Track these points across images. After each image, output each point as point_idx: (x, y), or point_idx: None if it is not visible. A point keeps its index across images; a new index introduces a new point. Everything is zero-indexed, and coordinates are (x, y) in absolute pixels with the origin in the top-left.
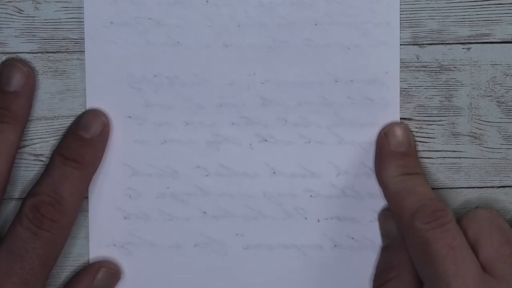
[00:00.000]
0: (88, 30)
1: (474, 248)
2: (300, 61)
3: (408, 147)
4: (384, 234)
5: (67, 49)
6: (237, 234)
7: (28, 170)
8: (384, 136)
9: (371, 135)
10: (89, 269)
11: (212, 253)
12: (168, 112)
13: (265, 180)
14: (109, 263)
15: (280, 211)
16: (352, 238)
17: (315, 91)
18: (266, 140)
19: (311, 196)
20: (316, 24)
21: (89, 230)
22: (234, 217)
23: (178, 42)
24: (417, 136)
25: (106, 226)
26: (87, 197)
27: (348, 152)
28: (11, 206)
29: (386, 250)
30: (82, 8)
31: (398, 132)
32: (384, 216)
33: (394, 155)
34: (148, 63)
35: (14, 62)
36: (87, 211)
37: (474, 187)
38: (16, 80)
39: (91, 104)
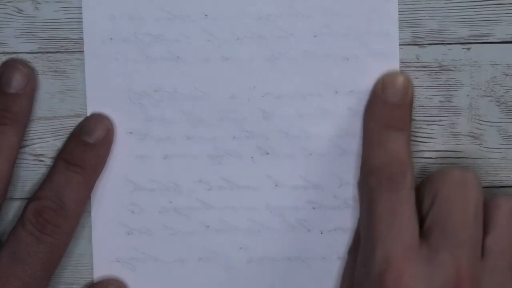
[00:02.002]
0: (87, 47)
1: (428, 208)
2: (299, 73)
3: (402, 99)
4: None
5: (67, 49)
6: (241, 248)
7: (28, 170)
8: (380, 84)
9: None
10: (97, 286)
11: (216, 267)
12: (169, 127)
13: (267, 193)
14: (116, 281)
15: (283, 223)
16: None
17: (315, 103)
18: (267, 153)
19: (313, 208)
20: (315, 36)
21: (93, 246)
22: (237, 230)
23: (177, 57)
24: (417, 136)
25: (110, 242)
26: (89, 212)
27: (350, 163)
28: (11, 206)
29: None
30: (81, 8)
31: (396, 81)
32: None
33: (384, 104)
34: (148, 78)
35: (14, 63)
36: (88, 226)
37: None
38: (17, 82)
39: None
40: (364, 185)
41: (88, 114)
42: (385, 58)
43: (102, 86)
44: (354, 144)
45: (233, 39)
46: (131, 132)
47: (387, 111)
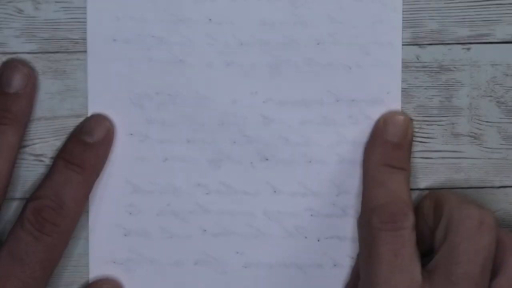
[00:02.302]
0: (91, 47)
1: (438, 246)
2: (301, 80)
3: (402, 139)
4: None
5: (67, 49)
6: (237, 252)
7: (28, 170)
8: (382, 122)
9: None
10: (92, 287)
11: (212, 271)
12: (169, 130)
13: (265, 199)
14: (111, 281)
15: (280, 229)
16: (352, 258)
17: (316, 110)
18: (267, 159)
19: (311, 215)
20: (318, 44)
21: (89, 246)
22: (234, 235)
23: (180, 60)
24: (417, 136)
25: (106, 243)
26: (87, 212)
27: (349, 172)
28: (11, 206)
29: None
30: (82, 8)
31: (397, 121)
32: None
33: (385, 143)
34: (150, 80)
35: (15, 63)
36: (87, 226)
37: (474, 187)
38: (17, 82)
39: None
40: (365, 224)
41: (89, 115)
42: (387, 68)
43: (104, 87)
44: (354, 152)
45: (236, 44)
46: (132, 134)
47: (387, 151)
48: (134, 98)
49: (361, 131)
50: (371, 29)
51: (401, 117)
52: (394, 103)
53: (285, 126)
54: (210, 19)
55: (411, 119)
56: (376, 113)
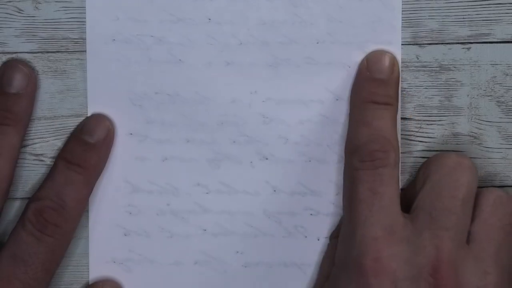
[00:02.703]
0: (90, 47)
1: (420, 188)
2: (301, 79)
3: (388, 75)
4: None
5: (67, 49)
6: (237, 252)
7: (28, 170)
8: (365, 61)
9: None
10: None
11: (211, 270)
12: (169, 130)
13: (265, 198)
14: (111, 282)
15: (280, 229)
16: None
17: (316, 109)
18: (266, 158)
19: (311, 214)
20: (317, 43)
21: (89, 246)
22: (234, 234)
23: (180, 60)
24: (417, 136)
25: (106, 243)
26: (87, 212)
27: None
28: (11, 206)
29: None
30: (82, 8)
31: (381, 58)
32: None
33: (369, 81)
34: (150, 80)
35: (15, 63)
36: (87, 226)
37: None
38: (18, 82)
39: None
40: (347, 164)
41: (89, 114)
42: None
43: (104, 87)
44: None
45: (235, 44)
46: (131, 134)
47: (372, 87)
48: (133, 98)
49: None
50: (371, 28)
51: (386, 54)
52: None
53: (285, 126)
54: (209, 19)
55: (396, 57)
56: None
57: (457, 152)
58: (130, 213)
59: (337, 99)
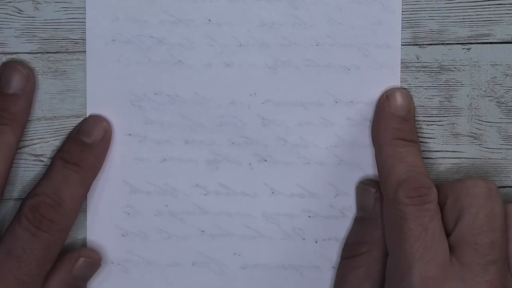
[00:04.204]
0: (90, 47)
1: (454, 222)
2: (300, 82)
3: (407, 112)
4: (360, 206)
5: (67, 49)
6: (235, 254)
7: (27, 171)
8: (385, 98)
9: (370, 156)
10: (68, 257)
11: (209, 272)
12: (168, 130)
13: (263, 200)
14: (89, 251)
15: (278, 231)
16: None
17: (315, 112)
18: (265, 160)
19: (309, 216)
20: (317, 45)
21: (87, 246)
22: (232, 236)
23: (179, 61)
24: (417, 137)
25: (104, 243)
26: (85, 212)
27: (347, 173)
28: (10, 207)
29: (359, 222)
30: (82, 8)
31: (399, 96)
32: (362, 188)
33: (393, 117)
34: (149, 81)
35: (14, 64)
36: (86, 227)
37: None
38: (16, 82)
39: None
40: (390, 201)
41: (88, 115)
42: (386, 70)
43: (103, 87)
44: (352, 154)
45: (235, 45)
46: (130, 134)
47: (396, 125)
48: (133, 98)
49: (360, 133)
50: (370, 30)
51: (403, 92)
52: None
53: (284, 128)
54: (209, 20)
55: (410, 95)
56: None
57: (482, 178)
58: (128, 214)
59: (336, 102)
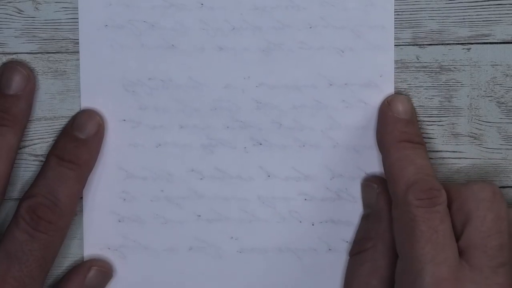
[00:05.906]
0: (82, 33)
1: (461, 226)
2: (294, 64)
3: (411, 116)
4: (366, 203)
5: (67, 49)
6: (232, 238)
7: (27, 171)
8: (387, 104)
9: (365, 138)
10: (80, 268)
11: (206, 256)
12: (162, 115)
13: (259, 184)
14: (101, 261)
15: (275, 214)
16: (347, 242)
17: (309, 95)
18: (260, 144)
19: (305, 199)
20: (310, 27)
21: (84, 233)
22: (229, 220)
23: (172, 45)
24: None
25: (101, 229)
26: (81, 199)
27: (343, 156)
28: (10, 207)
29: (366, 220)
30: None
31: (401, 101)
32: (365, 186)
33: (398, 121)
34: (143, 66)
35: (14, 65)
36: (82, 214)
37: None
38: (16, 83)
39: (85, 106)
40: (400, 203)
41: (82, 101)
42: (380, 52)
43: (96, 73)
44: (347, 137)
45: (228, 29)
46: (124, 120)
47: (402, 128)
48: (126, 84)
49: (355, 115)
50: (363, 11)
51: (404, 97)
52: (387, 86)
53: (278, 111)
54: (202, 4)
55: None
56: (369, 97)
57: (487, 182)
58: (124, 200)
59: (330, 84)
